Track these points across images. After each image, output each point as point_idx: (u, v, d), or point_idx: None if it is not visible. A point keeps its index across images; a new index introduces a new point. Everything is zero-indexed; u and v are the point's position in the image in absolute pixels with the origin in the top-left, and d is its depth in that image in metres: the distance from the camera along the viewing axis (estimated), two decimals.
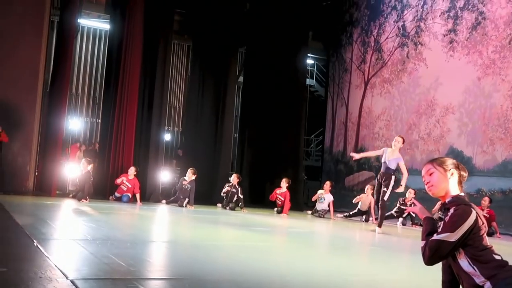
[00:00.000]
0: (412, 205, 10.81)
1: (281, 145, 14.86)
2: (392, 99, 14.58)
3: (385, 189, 8.33)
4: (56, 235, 5.06)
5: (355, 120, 15.81)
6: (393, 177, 8.38)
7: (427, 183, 2.75)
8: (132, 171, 11.36)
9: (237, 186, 12.00)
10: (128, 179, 11.30)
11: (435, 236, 2.52)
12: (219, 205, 12.44)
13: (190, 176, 11.49)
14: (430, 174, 2.74)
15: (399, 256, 6.06)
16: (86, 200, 10.12)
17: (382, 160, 8.58)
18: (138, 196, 11.12)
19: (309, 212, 12.72)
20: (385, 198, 8.37)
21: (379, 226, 8.56)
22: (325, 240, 7.72)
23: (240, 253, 4.83)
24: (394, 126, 14.38)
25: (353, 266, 4.75)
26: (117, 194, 11.38)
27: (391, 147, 8.62)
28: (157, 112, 12.81)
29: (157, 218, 8.82)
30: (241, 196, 11.89)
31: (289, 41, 15.14)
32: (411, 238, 8.57)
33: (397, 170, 8.52)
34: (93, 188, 10.68)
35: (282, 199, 12.09)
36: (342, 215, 12.45)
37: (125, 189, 11.29)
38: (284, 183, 12.13)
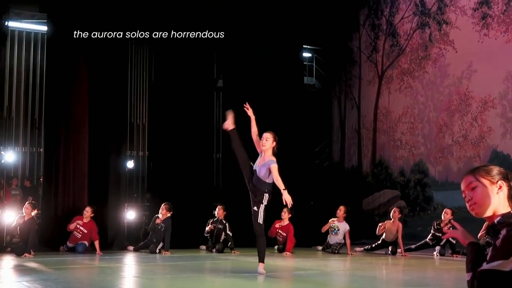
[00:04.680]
0: (451, 229, 10.79)
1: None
2: (415, 95, 14.64)
3: (255, 208, 7.71)
4: None
5: (370, 125, 15.85)
6: (266, 193, 7.72)
7: (469, 200, 2.72)
8: (88, 212, 11.30)
9: (224, 221, 11.94)
10: (83, 223, 11.24)
11: (484, 266, 2.50)
12: (203, 247, 12.36)
13: (164, 213, 11.42)
14: (473, 189, 2.71)
15: None
16: (30, 254, 10.01)
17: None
18: (97, 243, 11.08)
19: (320, 247, 12.66)
20: (259, 221, 7.67)
21: (261, 261, 7.76)
22: (343, 282, 7.67)
23: None
24: (420, 129, 14.42)
25: None
26: (69, 244, 11.32)
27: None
28: (115, 134, 12.74)
29: (123, 270, 8.76)
30: (230, 234, 11.84)
31: (278, 29, 15.15)
32: (453, 271, 8.56)
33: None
34: (38, 238, 10.58)
35: (284, 234, 12.04)
36: (361, 249, 12.39)
37: (79, 236, 11.22)
38: (285, 214, 12.08)
